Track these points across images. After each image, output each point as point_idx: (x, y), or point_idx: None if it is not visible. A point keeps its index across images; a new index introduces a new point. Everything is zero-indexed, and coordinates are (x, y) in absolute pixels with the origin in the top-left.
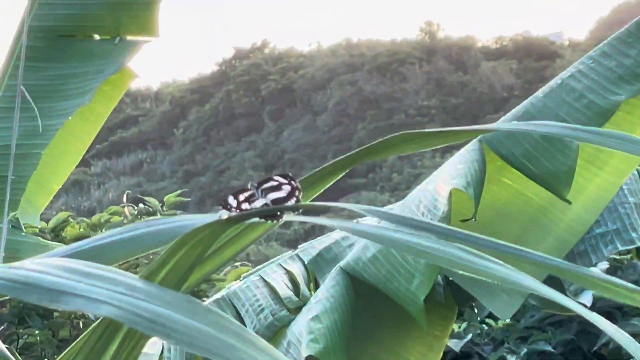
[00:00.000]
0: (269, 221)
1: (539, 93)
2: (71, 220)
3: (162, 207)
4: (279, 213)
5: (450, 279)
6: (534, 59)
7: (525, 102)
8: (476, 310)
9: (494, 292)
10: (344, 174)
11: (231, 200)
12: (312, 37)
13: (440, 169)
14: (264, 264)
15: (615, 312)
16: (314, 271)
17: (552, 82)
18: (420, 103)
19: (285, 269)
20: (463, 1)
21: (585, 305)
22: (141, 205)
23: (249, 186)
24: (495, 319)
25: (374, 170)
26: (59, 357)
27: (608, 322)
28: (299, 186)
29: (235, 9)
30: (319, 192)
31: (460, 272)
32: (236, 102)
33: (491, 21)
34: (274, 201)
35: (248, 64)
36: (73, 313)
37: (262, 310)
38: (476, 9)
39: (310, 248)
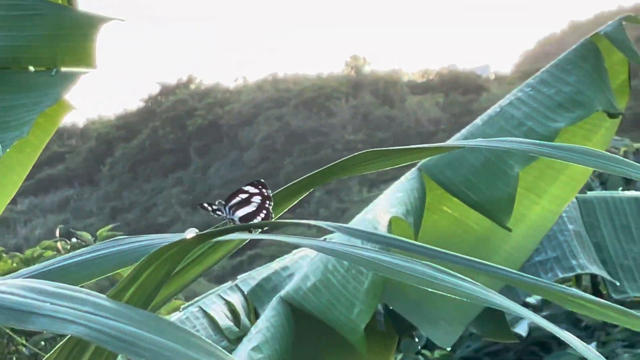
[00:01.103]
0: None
1: (478, 121)
2: (3, 255)
3: (95, 241)
4: (249, 230)
5: (391, 307)
6: (460, 92)
7: (463, 131)
8: (417, 340)
9: (433, 321)
10: (307, 193)
11: (208, 207)
12: (237, 73)
13: (380, 198)
14: (204, 294)
15: (551, 342)
16: (254, 301)
17: (491, 110)
18: (346, 137)
19: (225, 299)
20: (388, 35)
21: (520, 336)
22: (74, 239)
23: (216, 203)
24: (432, 349)
25: (302, 206)
26: None
27: (577, 339)
28: (270, 195)
29: (160, 45)
30: (283, 211)
31: (401, 300)
32: (162, 138)
33: (417, 55)
34: (242, 218)
35: (174, 100)
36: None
37: None
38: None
39: (250, 279)
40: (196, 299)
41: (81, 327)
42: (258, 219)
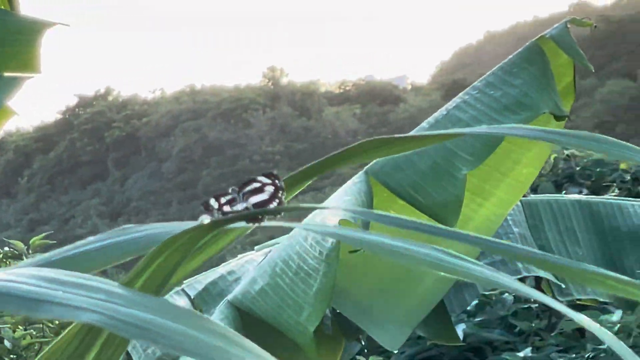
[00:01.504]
0: (250, 224)
1: (425, 124)
2: None
3: (27, 250)
4: (260, 217)
5: (338, 311)
6: (377, 103)
7: (410, 134)
8: (363, 343)
9: (381, 324)
10: (310, 181)
11: (213, 203)
12: (155, 84)
13: (328, 201)
14: None
15: (485, 347)
16: (201, 305)
17: (437, 113)
18: (264, 149)
19: None
20: (306, 47)
21: (464, 339)
22: (6, 248)
23: (229, 190)
24: (367, 355)
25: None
26: None
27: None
28: (283, 186)
29: (77, 55)
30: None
31: (349, 303)
32: (80, 150)
33: (334, 66)
34: (256, 205)
35: (92, 112)
36: None
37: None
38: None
39: (196, 283)
40: None
41: (96, 314)
42: (271, 207)
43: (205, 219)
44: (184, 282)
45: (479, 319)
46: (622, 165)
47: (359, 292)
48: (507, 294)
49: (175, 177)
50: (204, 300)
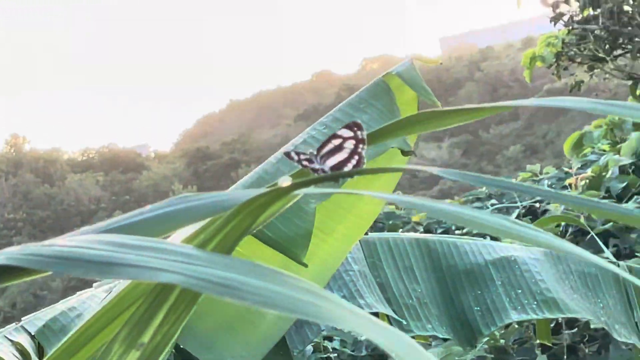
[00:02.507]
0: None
1: (272, 159)
2: None
3: None
4: (335, 181)
5: (182, 346)
6: (120, 170)
7: (257, 169)
8: None
9: (223, 359)
10: None
11: (294, 155)
12: None
13: (174, 237)
14: None
15: None
16: (42, 342)
17: (283, 148)
18: (7, 216)
19: (11, 340)
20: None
21: None
22: None
23: (307, 153)
24: None
25: None
26: (83, 329)
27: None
28: (364, 137)
29: None
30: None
31: (192, 337)
32: None
33: (78, 134)
34: (333, 168)
35: None
36: None
37: None
38: (62, 122)
39: (35, 319)
40: None
41: (175, 274)
42: (349, 167)
43: (285, 181)
44: (22, 318)
45: None
46: (414, 218)
47: (204, 327)
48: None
49: None
50: (46, 336)
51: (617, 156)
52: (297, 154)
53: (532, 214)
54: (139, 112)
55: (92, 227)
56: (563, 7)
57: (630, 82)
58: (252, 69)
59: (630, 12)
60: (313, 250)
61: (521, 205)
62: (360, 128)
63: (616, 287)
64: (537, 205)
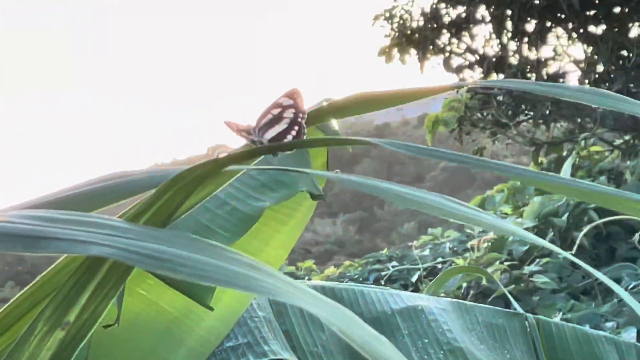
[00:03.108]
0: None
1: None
2: None
3: None
4: (274, 153)
5: None
6: None
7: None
8: None
9: None
10: None
11: (232, 125)
12: None
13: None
14: None
15: None
16: None
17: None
18: None
19: None
20: None
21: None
22: None
23: (245, 126)
24: None
25: None
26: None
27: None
28: (303, 107)
29: None
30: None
31: None
32: None
33: None
34: (271, 140)
35: None
36: None
37: None
38: None
39: None
40: None
41: (106, 247)
42: (289, 138)
43: (222, 152)
44: None
45: None
46: (316, 278)
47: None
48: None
49: None
50: None
51: (520, 219)
52: (236, 124)
53: (434, 275)
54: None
55: (19, 204)
56: (467, 73)
57: (532, 149)
58: (147, 141)
59: (534, 78)
60: (218, 294)
61: (422, 267)
62: (299, 96)
63: (523, 338)
64: (440, 266)
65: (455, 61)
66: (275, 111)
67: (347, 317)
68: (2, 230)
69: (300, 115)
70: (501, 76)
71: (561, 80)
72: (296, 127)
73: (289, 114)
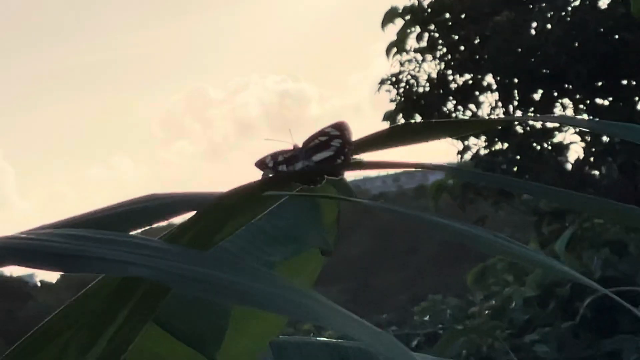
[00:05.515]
0: (306, 186)
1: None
2: None
3: None
4: (318, 178)
5: None
6: (6, 300)
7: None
8: None
9: None
10: None
11: (268, 161)
12: None
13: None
14: None
15: None
16: None
17: None
18: None
19: None
20: None
21: None
22: None
23: (292, 146)
24: None
25: None
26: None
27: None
28: (351, 139)
29: None
30: None
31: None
32: None
33: None
34: (319, 163)
35: None
36: None
37: None
38: None
39: None
40: None
41: (145, 268)
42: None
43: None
44: None
45: None
46: None
47: None
48: None
49: None
50: None
51: (523, 288)
52: (273, 158)
53: (434, 341)
54: None
55: (51, 223)
56: (471, 140)
57: (535, 218)
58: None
59: (539, 147)
60: (225, 348)
61: (422, 333)
62: (347, 129)
63: None
64: (440, 332)
65: None
66: (323, 138)
67: (390, 342)
68: (42, 249)
69: (347, 147)
70: (505, 145)
71: (565, 150)
72: (342, 158)
73: (336, 143)
